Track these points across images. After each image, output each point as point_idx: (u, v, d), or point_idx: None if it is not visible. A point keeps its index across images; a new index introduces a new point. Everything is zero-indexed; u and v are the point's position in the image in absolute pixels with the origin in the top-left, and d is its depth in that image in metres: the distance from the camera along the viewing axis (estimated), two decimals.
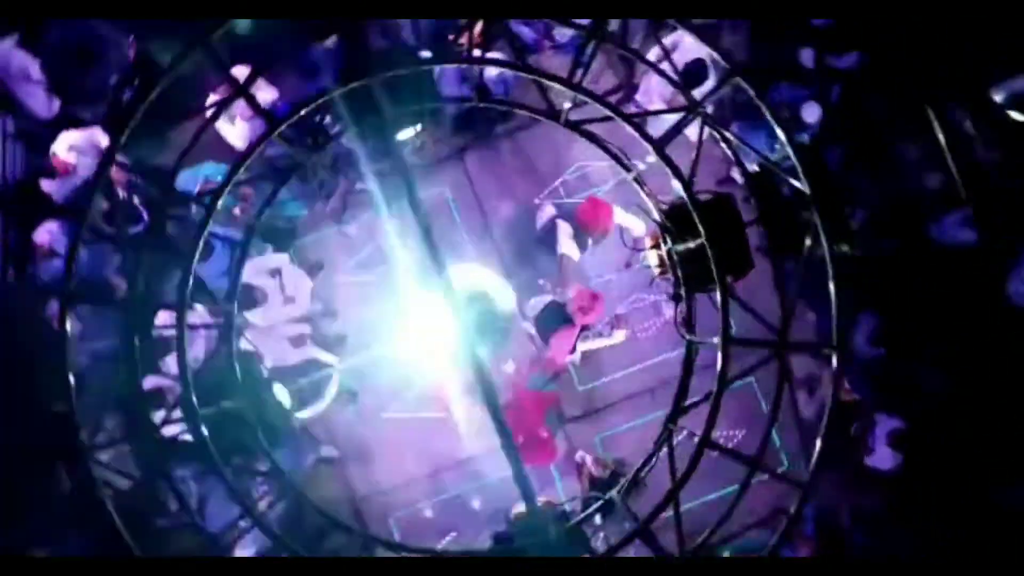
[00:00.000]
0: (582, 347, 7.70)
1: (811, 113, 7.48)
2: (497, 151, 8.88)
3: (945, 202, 8.04)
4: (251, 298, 7.28)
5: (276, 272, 7.70)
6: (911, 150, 8.31)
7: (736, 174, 7.89)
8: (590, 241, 7.51)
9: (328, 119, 6.22)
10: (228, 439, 5.10)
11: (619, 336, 7.84)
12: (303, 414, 7.23)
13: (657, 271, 5.50)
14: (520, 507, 5.23)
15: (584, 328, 7.53)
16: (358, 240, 8.75)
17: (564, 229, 7.40)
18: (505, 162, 8.91)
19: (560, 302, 7.48)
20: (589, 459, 7.48)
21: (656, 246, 5.36)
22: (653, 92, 7.96)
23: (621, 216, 7.35)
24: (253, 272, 7.54)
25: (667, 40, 7.17)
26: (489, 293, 5.75)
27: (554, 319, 7.45)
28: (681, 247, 5.05)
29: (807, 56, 8.22)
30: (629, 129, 5.24)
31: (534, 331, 7.64)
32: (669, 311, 8.28)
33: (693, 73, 6.55)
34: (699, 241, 4.74)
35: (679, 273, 5.16)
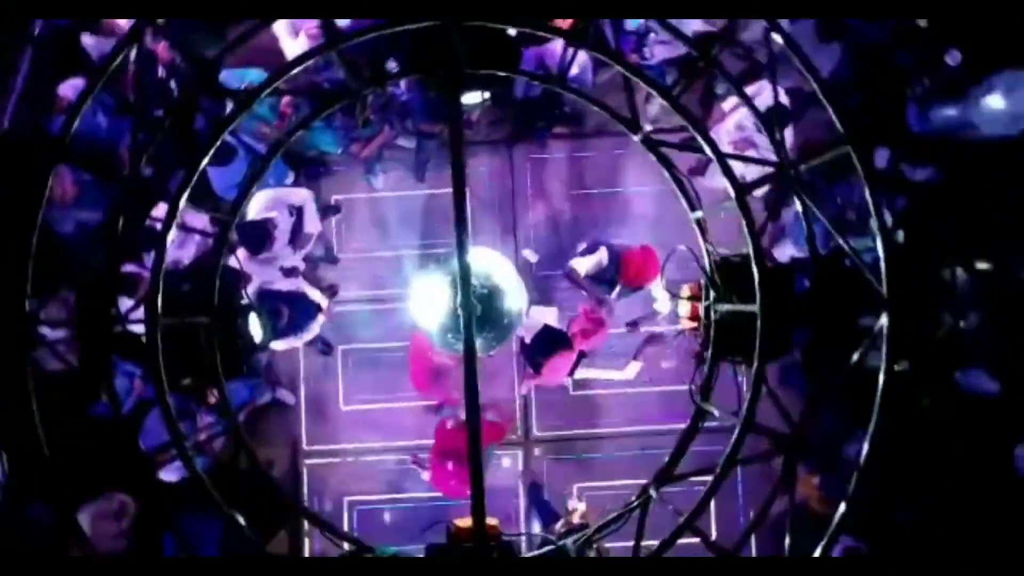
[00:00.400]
0: (586, 373, 7.28)
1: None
2: (548, 152, 8.49)
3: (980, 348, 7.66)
4: (260, 234, 6.85)
5: (295, 210, 7.30)
6: (964, 281, 7.93)
7: (783, 253, 7.49)
8: (619, 286, 7.03)
9: (394, 62, 5.77)
10: (184, 356, 4.69)
11: (632, 370, 7.41)
12: (275, 345, 6.81)
13: (688, 325, 5.06)
14: (465, 520, 4.79)
15: (582, 354, 7.10)
16: (382, 194, 8.34)
17: (600, 254, 6.94)
18: (553, 166, 8.53)
19: (556, 328, 7.02)
20: (582, 508, 7.01)
21: (696, 298, 4.93)
22: (723, 140, 7.53)
23: (659, 284, 6.92)
24: (272, 203, 7.13)
25: (750, 88, 6.75)
26: (501, 286, 5.32)
27: (549, 344, 6.97)
28: (726, 308, 4.61)
29: (881, 157, 7.81)
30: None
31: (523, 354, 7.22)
32: (668, 364, 7.90)
33: (778, 117, 6.07)
34: (751, 308, 4.32)
35: (711, 334, 4.73)
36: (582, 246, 7.17)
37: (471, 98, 4.63)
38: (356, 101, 5.91)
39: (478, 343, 4.62)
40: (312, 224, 7.35)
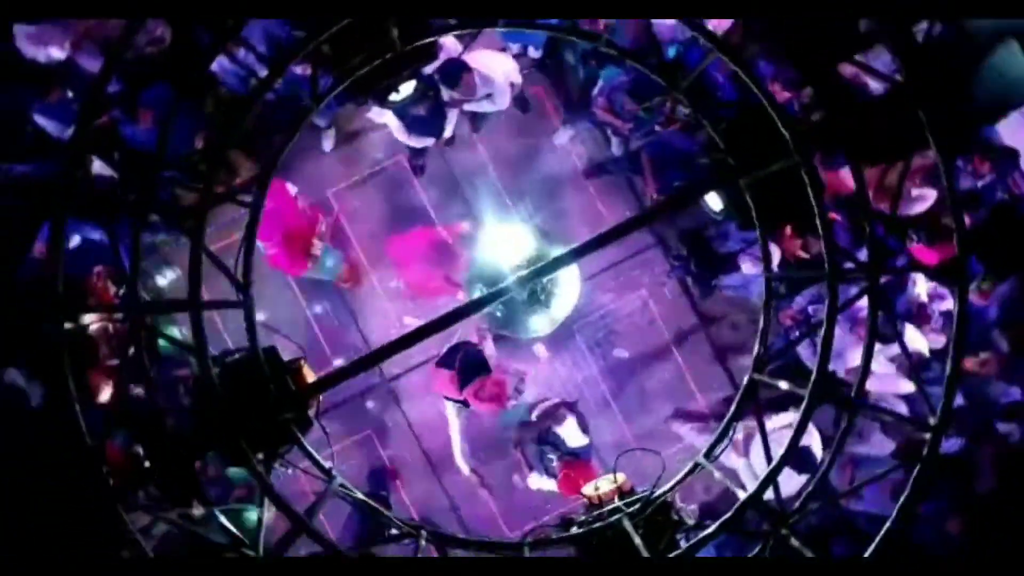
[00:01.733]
0: (450, 416, 6.94)
1: None
2: (669, 286, 8.17)
3: None
4: (457, 71, 6.64)
5: (511, 83, 7.14)
6: None
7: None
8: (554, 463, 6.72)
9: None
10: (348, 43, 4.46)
11: (464, 467, 7.19)
12: (386, 115, 6.55)
13: (588, 497, 4.91)
14: (310, 373, 4.64)
15: (463, 401, 6.63)
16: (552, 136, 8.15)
17: (582, 442, 6.65)
18: (658, 297, 8.18)
19: (480, 363, 6.43)
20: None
21: (620, 494, 4.77)
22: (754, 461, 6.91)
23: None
24: (488, 60, 6.99)
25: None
26: (552, 303, 5.15)
27: (465, 365, 6.43)
28: (628, 526, 4.44)
29: None
30: None
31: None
32: (537, 480, 7.57)
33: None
34: (644, 551, 4.17)
35: (595, 522, 4.57)
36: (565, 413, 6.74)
37: (714, 201, 4.46)
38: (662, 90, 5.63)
39: (488, 311, 4.49)
40: (502, 101, 7.21)
